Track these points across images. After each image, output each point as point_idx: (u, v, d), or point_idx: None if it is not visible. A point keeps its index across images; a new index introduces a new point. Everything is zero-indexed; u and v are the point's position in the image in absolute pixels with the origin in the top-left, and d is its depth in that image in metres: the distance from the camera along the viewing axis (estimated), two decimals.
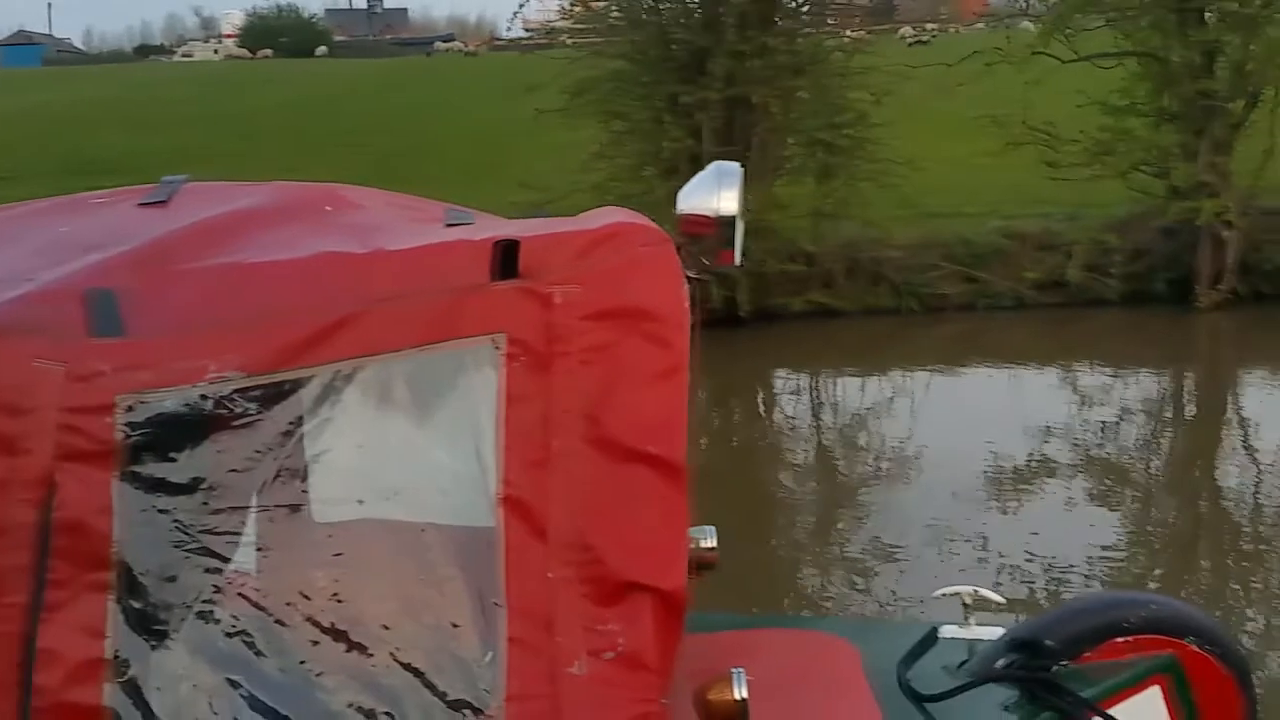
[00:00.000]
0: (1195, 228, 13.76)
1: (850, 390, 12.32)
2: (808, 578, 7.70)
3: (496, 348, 1.97)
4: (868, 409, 11.46)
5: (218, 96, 28.48)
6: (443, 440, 2.02)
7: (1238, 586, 7.20)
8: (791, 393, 12.70)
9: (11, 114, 24.96)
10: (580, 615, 1.89)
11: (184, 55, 54.42)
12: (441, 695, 1.85)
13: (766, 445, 10.87)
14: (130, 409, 1.81)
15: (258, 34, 59.60)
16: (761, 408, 12.25)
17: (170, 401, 1.84)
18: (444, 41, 60.67)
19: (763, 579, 7.56)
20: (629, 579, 1.91)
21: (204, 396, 1.85)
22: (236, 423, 1.87)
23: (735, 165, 2.33)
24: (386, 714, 1.84)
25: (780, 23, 14.77)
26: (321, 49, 53.58)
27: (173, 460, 1.83)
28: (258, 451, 1.88)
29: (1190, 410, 11.69)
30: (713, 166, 2.32)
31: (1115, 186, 14.32)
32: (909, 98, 14.51)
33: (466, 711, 1.85)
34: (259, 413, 1.88)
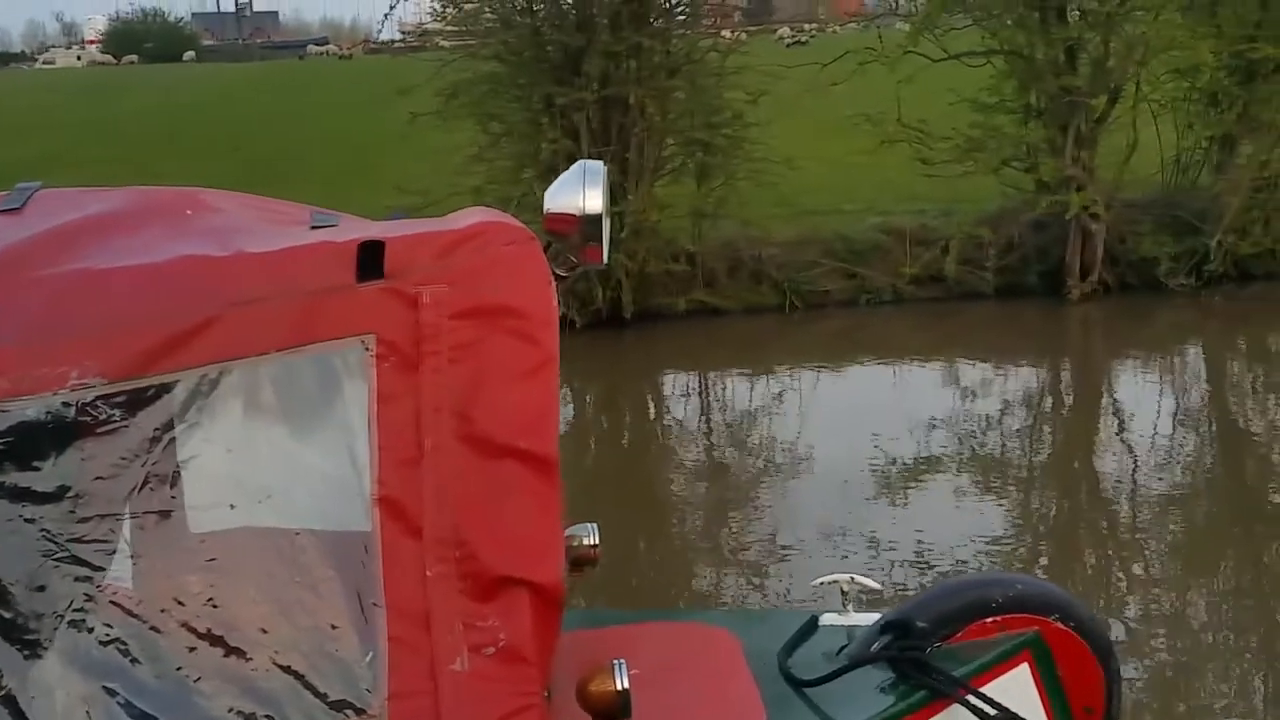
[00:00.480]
0: (1064, 221, 14.16)
1: (738, 388, 12.42)
2: (700, 575, 7.75)
3: (366, 349, 1.96)
4: (755, 407, 11.57)
5: (80, 103, 27.74)
6: (315, 442, 2.01)
7: (1120, 572, 7.42)
8: (679, 393, 12.77)
9: None
10: (459, 612, 1.90)
11: (46, 63, 52.87)
12: (322, 696, 1.85)
13: (656, 445, 10.92)
14: None
15: (122, 39, 58.26)
16: (650, 408, 12.30)
17: (32, 410, 1.80)
18: (317, 45, 59.96)
19: (655, 578, 7.60)
20: (505, 574, 1.92)
21: (66, 404, 1.82)
22: (101, 430, 1.84)
23: (599, 164, 2.35)
24: (267, 717, 1.83)
25: (655, 23, 14.79)
26: (189, 54, 52.53)
27: (37, 469, 1.80)
28: (124, 458, 1.85)
29: (1067, 400, 12.03)
30: (577, 165, 2.34)
31: (987, 182, 14.67)
32: (784, 97, 14.68)
33: (349, 712, 1.85)
34: (124, 419, 1.85)
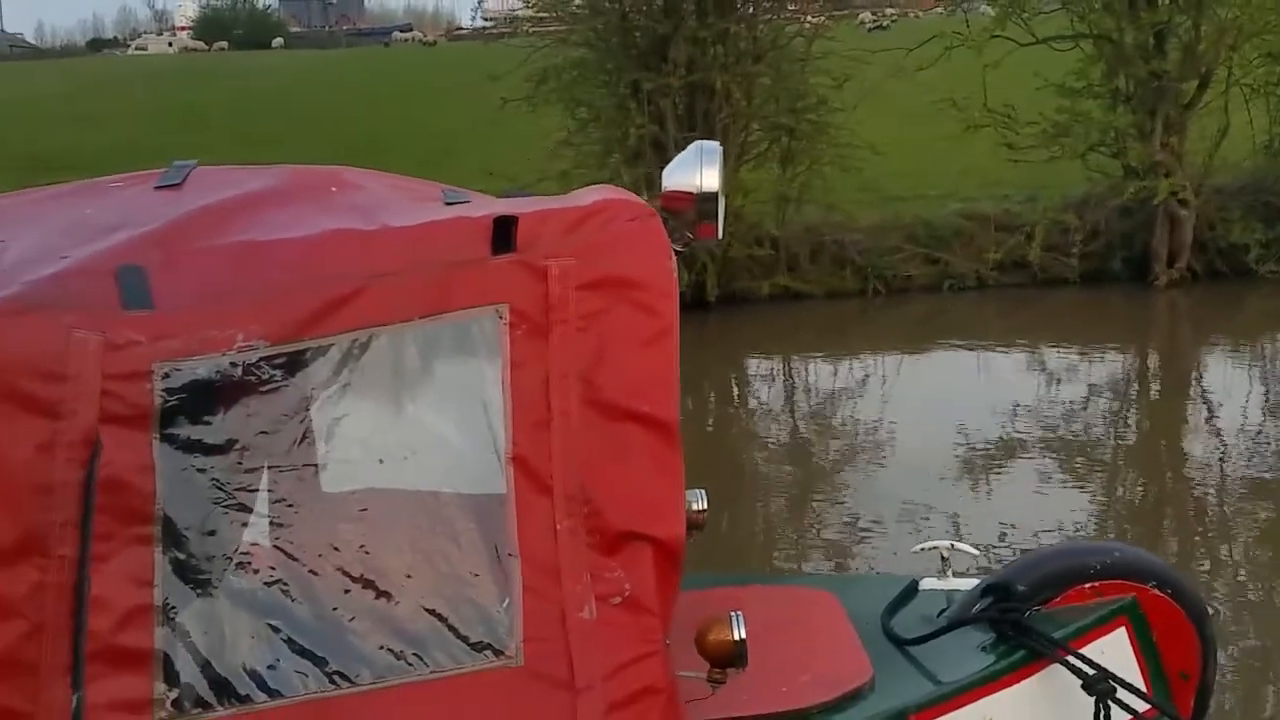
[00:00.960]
0: (1151, 207, 14.00)
1: (820, 373, 12.47)
2: (782, 553, 7.82)
3: (500, 317, 2.11)
4: (838, 391, 11.62)
5: (171, 90, 28.33)
6: (453, 404, 2.16)
7: (1205, 559, 7.37)
8: (762, 376, 12.84)
9: None
10: (587, 564, 2.04)
11: (138, 49, 53.94)
12: (464, 639, 2.00)
13: (739, 427, 11.01)
14: (167, 376, 1.95)
15: (211, 26, 59.28)
16: (734, 390, 12.39)
17: (203, 369, 1.98)
18: (402, 32, 60.59)
19: (740, 560, 7.69)
20: (629, 529, 2.07)
21: (234, 364, 1.99)
22: (264, 388, 2.01)
23: (716, 144, 2.48)
24: (415, 655, 1.98)
25: (740, 9, 14.85)
26: (277, 40, 53.31)
27: (208, 423, 1.97)
28: (285, 415, 2.02)
29: (1153, 386, 11.91)
30: (694, 146, 2.46)
31: (1071, 167, 14.54)
32: (868, 82, 14.66)
33: (487, 653, 2.00)
34: (284, 379, 2.02)
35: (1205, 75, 14.27)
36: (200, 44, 52.62)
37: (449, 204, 2.35)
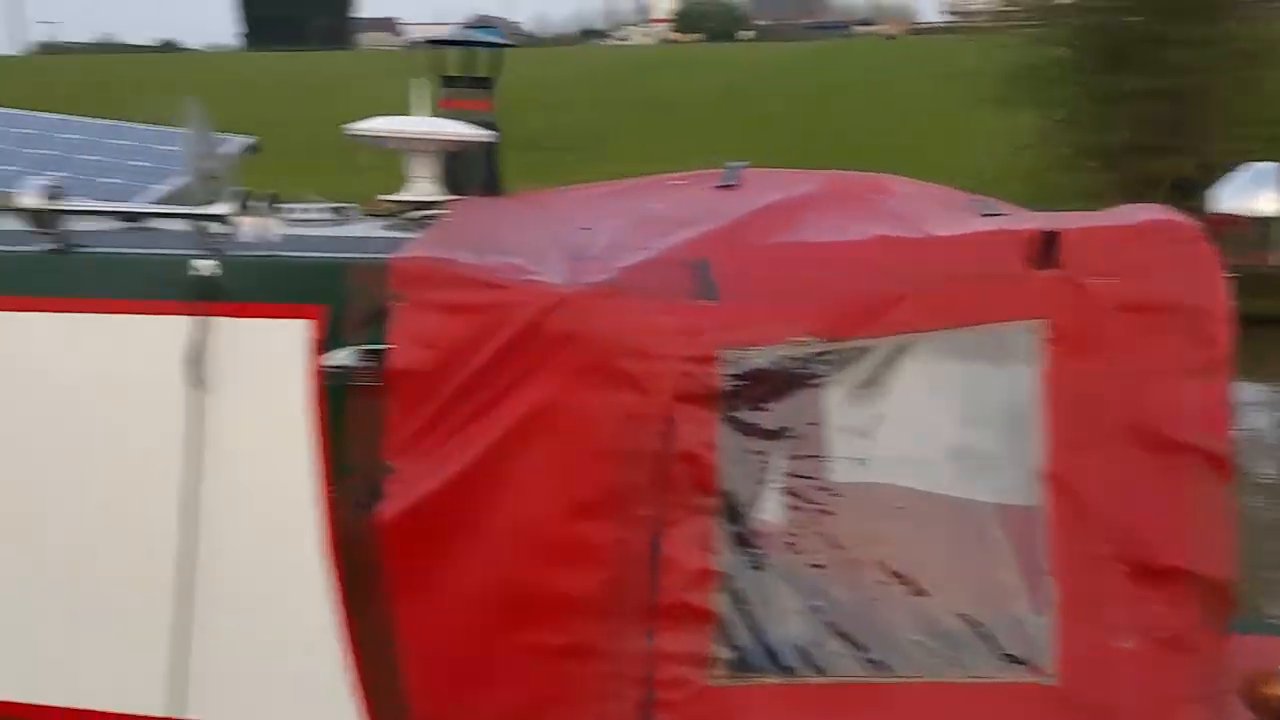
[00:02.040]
0: None
1: None
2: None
3: (1040, 332, 2.10)
4: None
5: (643, 80, 29.76)
6: (989, 413, 2.17)
7: None
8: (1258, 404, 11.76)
9: None
10: (1126, 593, 2.00)
11: (620, 39, 57.36)
12: (997, 648, 2.03)
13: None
14: (731, 362, 2.10)
15: (685, 18, 61.98)
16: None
17: (761, 358, 2.11)
18: (861, 25, 60.78)
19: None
20: (1174, 564, 2.01)
21: (787, 356, 2.11)
22: (813, 381, 2.12)
23: (1272, 165, 2.37)
24: (951, 656, 2.03)
25: (1239, 8, 13.83)
26: (748, 33, 55.11)
27: (763, 409, 2.11)
28: (831, 408, 2.12)
29: None
30: (1249, 167, 2.37)
31: None
32: None
33: (1021, 667, 2.01)
34: (832, 374, 2.12)
35: None
36: (678, 35, 55.26)
37: (985, 215, 2.38)
